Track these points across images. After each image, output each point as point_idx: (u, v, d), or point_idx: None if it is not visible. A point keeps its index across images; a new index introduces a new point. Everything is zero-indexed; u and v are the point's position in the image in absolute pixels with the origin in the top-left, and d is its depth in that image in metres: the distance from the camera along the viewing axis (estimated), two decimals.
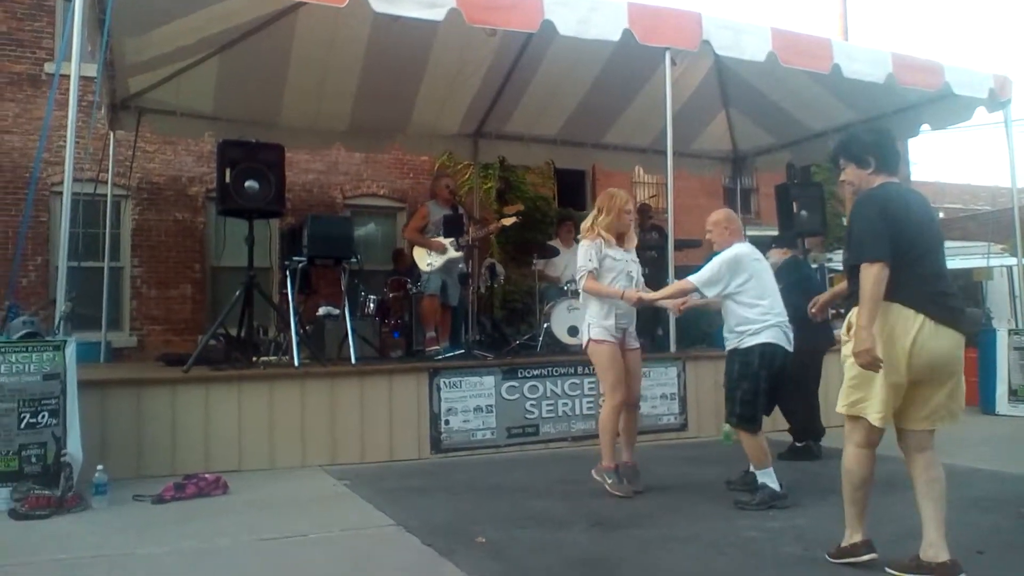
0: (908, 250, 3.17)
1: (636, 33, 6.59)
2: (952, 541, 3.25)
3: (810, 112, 9.72)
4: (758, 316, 4.67)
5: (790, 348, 4.76)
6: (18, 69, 10.32)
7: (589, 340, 4.97)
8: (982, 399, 8.47)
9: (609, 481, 4.86)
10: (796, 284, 5.73)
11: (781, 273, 5.54)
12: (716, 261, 4.76)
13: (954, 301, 3.28)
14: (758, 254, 4.88)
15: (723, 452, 6.19)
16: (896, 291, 3.14)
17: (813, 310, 4.06)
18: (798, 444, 6.00)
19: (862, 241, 3.20)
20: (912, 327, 3.14)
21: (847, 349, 3.27)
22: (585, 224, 5.13)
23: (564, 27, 6.35)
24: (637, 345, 5.13)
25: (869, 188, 3.34)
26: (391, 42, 7.75)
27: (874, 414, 3.22)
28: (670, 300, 5.11)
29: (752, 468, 4.72)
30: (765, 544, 3.84)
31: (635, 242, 5.16)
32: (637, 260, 5.13)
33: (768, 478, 4.59)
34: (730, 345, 4.80)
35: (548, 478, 5.45)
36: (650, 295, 5.05)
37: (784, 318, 4.76)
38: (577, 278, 5.04)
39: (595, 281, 4.90)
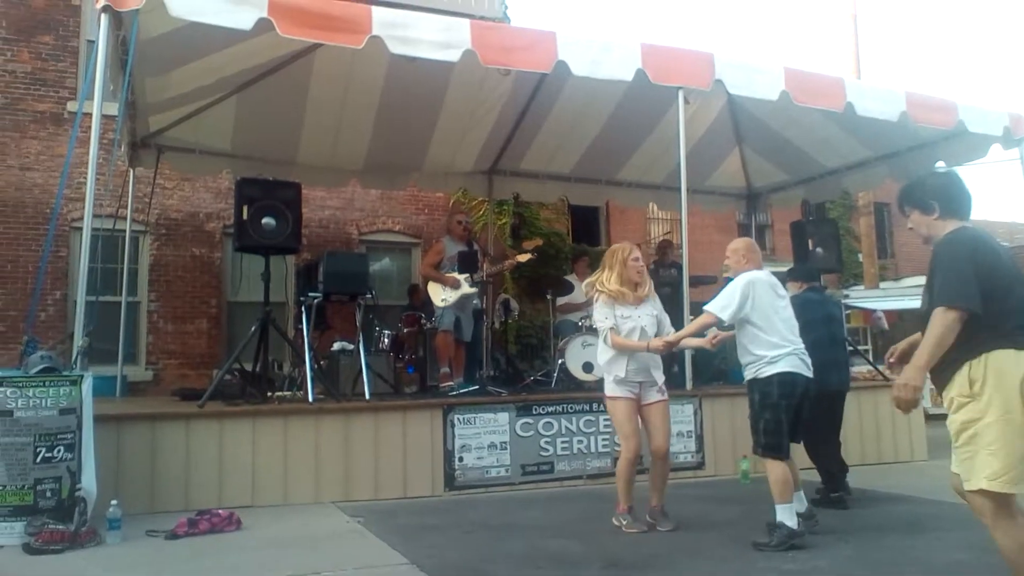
0: (1007, 296, 2.98)
1: (649, 73, 6.66)
2: None
3: (824, 149, 9.74)
4: (775, 345, 4.64)
5: (810, 374, 4.72)
6: (42, 108, 10.53)
7: (605, 396, 5.07)
8: None
9: (624, 522, 4.90)
10: (818, 322, 5.66)
11: (799, 309, 5.47)
12: (730, 287, 4.76)
13: None
14: (775, 281, 4.86)
15: (741, 491, 6.12)
16: (1005, 339, 2.92)
17: (891, 360, 3.68)
18: (832, 495, 5.76)
19: (947, 283, 2.99)
20: None
21: (967, 414, 2.94)
22: (592, 279, 5.16)
23: (577, 68, 6.43)
24: (661, 397, 5.03)
25: (948, 233, 3.15)
26: (407, 82, 7.86)
27: (1020, 484, 2.87)
28: (696, 339, 5.07)
29: (774, 504, 4.60)
30: None
31: (647, 288, 5.10)
32: (656, 306, 5.11)
33: (786, 515, 4.49)
34: (748, 375, 4.77)
35: (563, 517, 5.40)
36: (675, 336, 5.04)
37: (801, 346, 4.74)
38: (600, 337, 5.05)
39: (618, 336, 4.92)
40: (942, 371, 3.03)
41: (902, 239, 22.08)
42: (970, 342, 2.94)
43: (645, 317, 5.00)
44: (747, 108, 9.07)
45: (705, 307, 4.78)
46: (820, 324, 5.79)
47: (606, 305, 4.99)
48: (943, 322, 2.94)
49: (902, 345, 3.69)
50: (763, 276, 4.79)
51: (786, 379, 4.61)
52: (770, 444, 4.61)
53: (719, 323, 4.75)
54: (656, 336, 4.98)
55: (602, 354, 5.07)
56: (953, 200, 3.23)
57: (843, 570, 3.97)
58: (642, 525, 4.88)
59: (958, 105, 7.86)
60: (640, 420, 4.97)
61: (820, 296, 6.26)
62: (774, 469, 4.57)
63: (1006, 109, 8.25)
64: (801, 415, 4.75)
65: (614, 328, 4.92)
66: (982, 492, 2.91)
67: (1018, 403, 2.87)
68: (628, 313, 4.96)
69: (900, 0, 55.94)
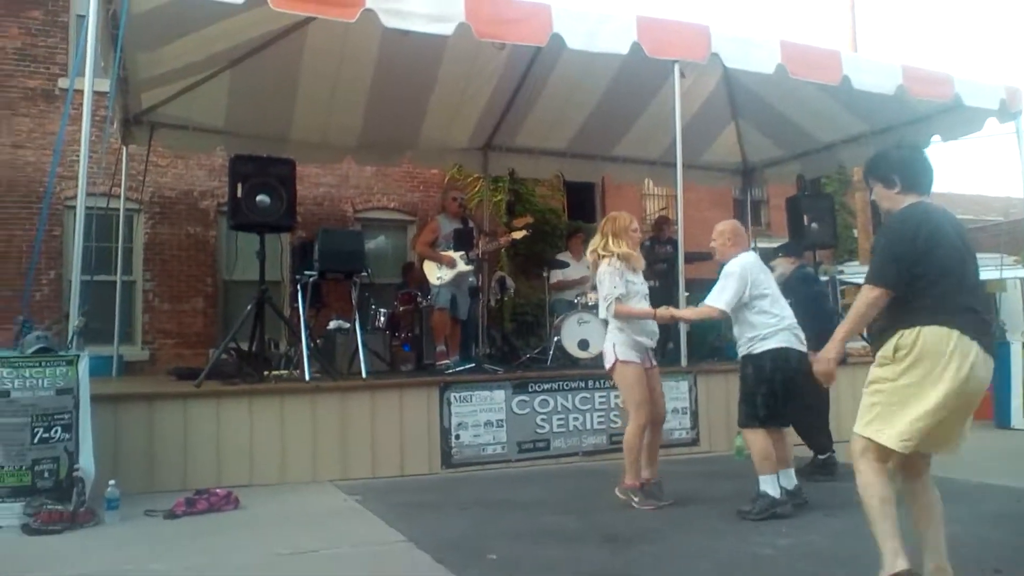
0: (943, 275, 3.08)
1: (645, 46, 6.61)
2: (968, 558, 3.21)
3: (820, 124, 9.71)
4: (767, 322, 4.75)
5: (803, 348, 4.79)
6: (32, 84, 10.42)
7: (616, 361, 4.97)
8: (997, 413, 8.39)
9: (636, 499, 4.87)
10: (808, 298, 5.70)
11: (791, 286, 5.54)
12: (727, 279, 4.79)
13: (990, 327, 3.23)
14: (761, 263, 4.96)
15: (735, 467, 6.15)
16: (940, 316, 3.03)
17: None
18: (821, 457, 5.90)
19: (875, 263, 3.18)
20: (969, 356, 3.00)
21: (883, 372, 3.13)
22: (595, 247, 5.11)
23: (573, 40, 6.38)
24: (655, 364, 5.18)
25: (900, 209, 3.25)
26: (401, 56, 7.79)
27: (898, 442, 3.04)
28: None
29: (758, 475, 4.70)
30: (779, 561, 3.80)
31: (642, 263, 5.21)
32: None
33: (769, 485, 4.61)
34: (742, 351, 4.87)
35: (559, 493, 5.43)
36: (680, 312, 5.15)
37: (793, 321, 4.83)
38: (604, 305, 5.01)
39: (624, 304, 4.94)
40: (880, 335, 3.20)
41: None
42: (908, 315, 3.08)
43: (644, 285, 5.10)
44: (743, 82, 9.02)
45: (710, 303, 4.82)
46: (820, 298, 5.94)
47: (616, 272, 4.94)
48: (865, 299, 3.14)
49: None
50: (752, 259, 4.87)
51: (780, 355, 4.72)
52: (769, 415, 4.72)
53: (721, 315, 4.81)
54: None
55: (611, 322, 5.03)
56: (915, 175, 3.29)
57: (835, 543, 4.01)
58: (655, 501, 4.87)
59: (954, 78, 7.83)
60: None
61: (813, 272, 6.35)
62: (755, 442, 4.70)
63: (1002, 83, 8.22)
64: (793, 390, 4.81)
65: (621, 297, 4.92)
66: (862, 437, 3.15)
67: (937, 379, 2.99)
68: (635, 279, 5.02)
69: None
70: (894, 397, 3.07)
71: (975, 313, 3.09)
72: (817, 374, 3.33)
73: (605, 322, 5.21)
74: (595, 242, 5.14)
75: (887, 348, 3.12)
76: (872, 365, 3.21)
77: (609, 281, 4.95)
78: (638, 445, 4.91)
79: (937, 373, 3.00)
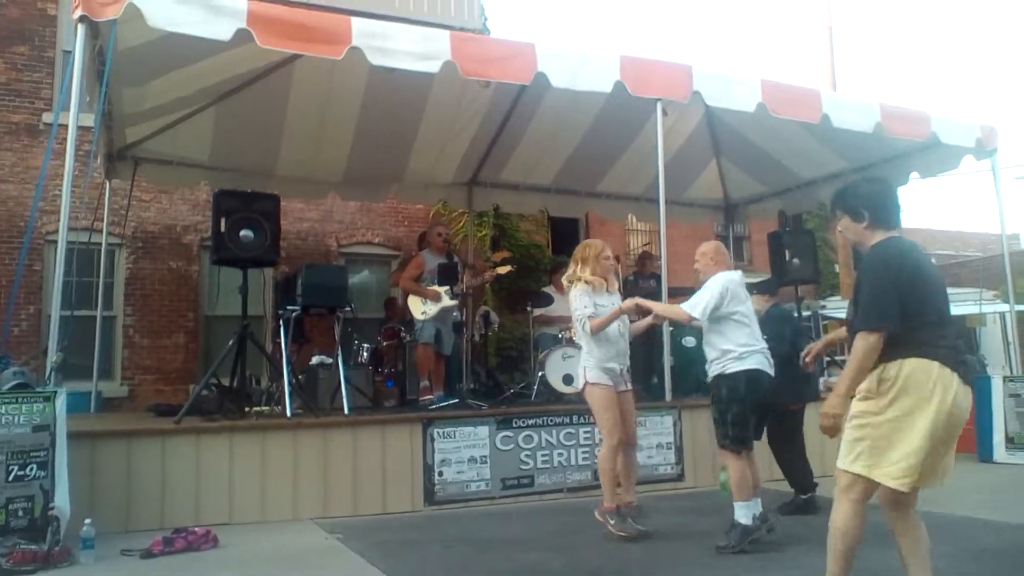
0: (924, 309, 3.10)
1: (628, 85, 6.70)
2: None
3: (801, 161, 9.84)
4: (743, 342, 4.79)
5: (772, 373, 4.88)
6: (16, 119, 10.40)
7: (586, 383, 5.06)
8: (979, 447, 8.41)
9: (612, 522, 4.91)
10: (782, 336, 5.76)
11: (766, 324, 5.58)
12: (707, 289, 4.86)
13: (964, 356, 3.21)
14: (743, 282, 5.01)
15: (721, 502, 6.09)
16: (921, 349, 3.04)
17: (807, 359, 4.09)
18: (803, 496, 5.88)
19: (869, 305, 3.12)
20: (951, 387, 3.02)
21: (867, 406, 3.12)
22: (567, 275, 5.30)
23: (557, 79, 6.46)
24: (630, 387, 5.26)
25: (875, 243, 3.24)
26: (387, 93, 7.84)
27: (898, 479, 3.02)
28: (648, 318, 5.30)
29: (733, 500, 4.73)
30: None
31: (616, 285, 5.36)
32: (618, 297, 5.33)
33: (742, 513, 4.63)
34: (714, 371, 4.90)
35: (544, 530, 5.37)
36: (647, 303, 5.16)
37: (764, 345, 4.90)
38: (579, 325, 5.12)
39: (596, 319, 5.02)
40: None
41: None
42: (890, 348, 3.06)
43: (617, 304, 5.20)
44: (725, 120, 9.15)
45: (684, 306, 4.90)
46: (795, 336, 5.99)
47: (584, 294, 5.10)
48: (864, 347, 3.07)
49: (817, 346, 4.18)
50: (734, 276, 4.94)
51: (753, 376, 4.77)
52: (737, 437, 4.77)
53: (691, 320, 4.88)
54: (623, 332, 5.19)
55: (585, 341, 5.13)
56: (883, 209, 3.29)
57: None
58: (633, 527, 4.91)
59: (931, 117, 7.98)
60: None
61: (788, 310, 6.44)
62: (734, 467, 4.74)
63: (978, 121, 8.38)
64: (762, 414, 4.90)
65: (592, 315, 5.02)
66: (847, 472, 3.12)
67: (922, 411, 3.00)
68: (603, 302, 5.13)
69: (874, 12, 56.79)
70: (880, 431, 3.05)
71: (952, 345, 3.11)
72: (822, 429, 3.24)
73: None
74: (568, 271, 5.30)
75: (870, 381, 3.10)
76: (854, 399, 3.18)
77: (579, 302, 5.09)
78: (612, 467, 4.98)
79: (922, 405, 3.00)
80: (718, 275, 4.90)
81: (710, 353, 4.92)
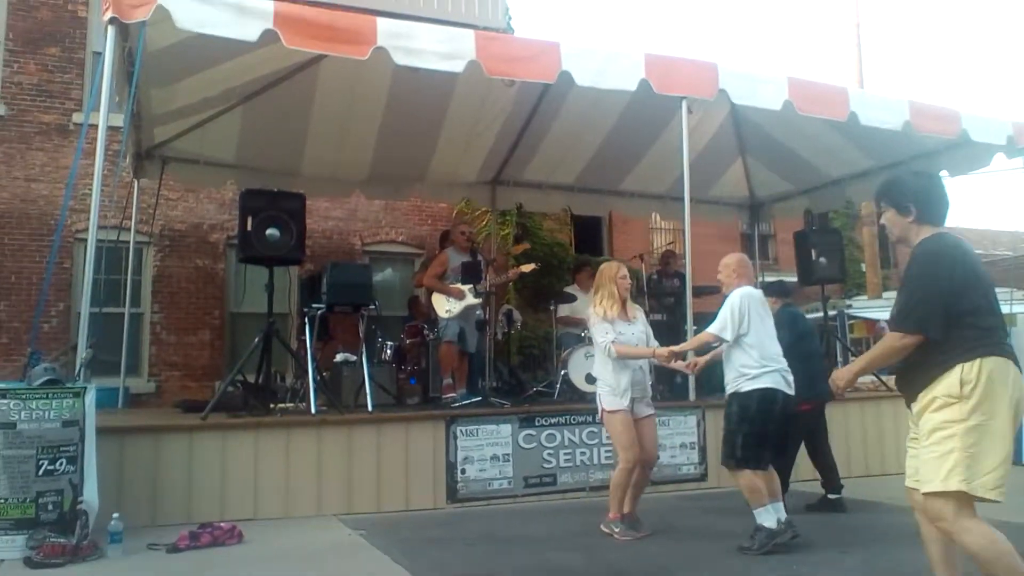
0: (989, 306, 2.98)
1: (652, 83, 6.66)
2: None
3: (827, 159, 9.74)
4: (757, 361, 4.74)
5: (790, 391, 4.81)
6: (47, 119, 10.57)
7: (603, 411, 5.10)
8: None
9: (617, 530, 4.96)
10: (809, 334, 5.71)
11: (791, 322, 5.54)
12: (727, 307, 4.83)
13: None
14: (763, 298, 4.99)
15: (743, 503, 6.06)
16: (996, 346, 2.92)
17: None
18: (831, 496, 5.87)
19: (910, 308, 2.99)
20: (1019, 384, 2.91)
21: (950, 413, 2.87)
22: (590, 310, 5.28)
23: (581, 78, 6.44)
24: (652, 412, 5.25)
25: (924, 240, 3.08)
26: (411, 93, 7.87)
27: (995, 489, 2.82)
28: (690, 355, 5.30)
29: (752, 509, 4.70)
30: None
31: (635, 313, 5.30)
32: (644, 324, 5.28)
33: (765, 517, 4.60)
34: (730, 389, 4.87)
35: (566, 529, 5.37)
36: (680, 347, 5.18)
37: (783, 364, 4.83)
38: (602, 352, 5.09)
39: (622, 345, 5.02)
40: (924, 372, 2.97)
41: (904, 249, 22.07)
42: (963, 344, 2.90)
43: (639, 334, 5.17)
44: (750, 118, 9.07)
45: (708, 329, 4.88)
46: (811, 336, 5.99)
47: (603, 323, 5.09)
48: (893, 345, 2.99)
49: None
50: (753, 293, 4.91)
51: (767, 395, 4.72)
52: (746, 457, 4.71)
53: (720, 342, 4.85)
54: (642, 364, 5.21)
55: (601, 368, 5.14)
56: (931, 204, 3.15)
57: None
58: (635, 533, 4.97)
59: (961, 114, 7.86)
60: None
61: (800, 311, 6.39)
62: (740, 478, 4.71)
63: (1010, 119, 8.24)
64: (777, 430, 4.82)
65: (615, 340, 5.01)
66: (945, 494, 2.85)
67: (1004, 411, 2.86)
68: (623, 329, 5.10)
69: (903, 8, 56.07)
70: (969, 439, 2.83)
71: (1008, 340, 3.00)
72: (832, 379, 3.26)
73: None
74: (595, 299, 5.25)
75: (949, 387, 2.89)
76: (927, 411, 2.96)
77: (599, 331, 5.10)
78: (624, 485, 5.03)
79: (1000, 405, 2.86)
80: (736, 292, 4.87)
81: (727, 371, 4.89)
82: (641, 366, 5.19)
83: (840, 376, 3.23)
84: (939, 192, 3.19)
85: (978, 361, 2.87)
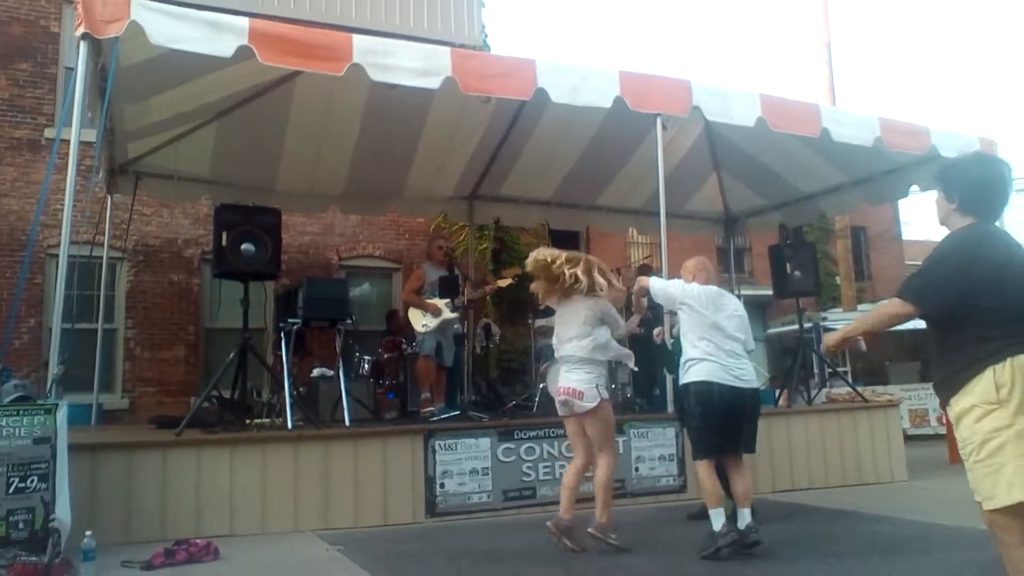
0: (1011, 304, 2.83)
1: (628, 100, 6.73)
2: None
3: (801, 174, 9.87)
4: (698, 353, 4.88)
5: (739, 384, 4.83)
6: (18, 134, 10.46)
7: (601, 400, 4.98)
8: None
9: (613, 536, 4.90)
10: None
11: None
12: (674, 280, 5.12)
13: None
14: (720, 295, 5.08)
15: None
16: (1018, 345, 2.78)
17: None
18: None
19: (916, 279, 2.98)
20: None
21: (994, 422, 2.75)
22: (584, 280, 5.04)
23: (557, 95, 6.49)
24: None
25: (958, 229, 3.02)
26: (387, 108, 7.89)
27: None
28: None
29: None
30: None
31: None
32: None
33: (713, 518, 4.70)
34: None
35: (546, 543, 5.33)
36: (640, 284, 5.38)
37: (729, 358, 4.87)
38: (621, 331, 5.27)
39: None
40: (955, 374, 2.87)
41: (878, 262, 22.38)
42: (990, 345, 2.79)
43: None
44: (724, 134, 9.18)
45: (651, 278, 5.26)
46: None
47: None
48: (891, 311, 3.01)
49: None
50: (708, 290, 5.04)
51: (701, 388, 4.85)
52: (699, 447, 4.92)
53: (651, 293, 5.13)
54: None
55: (599, 359, 5.06)
56: (978, 196, 3.04)
57: None
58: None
59: (930, 130, 8.01)
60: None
61: None
62: (698, 471, 4.88)
63: (977, 134, 8.42)
64: (720, 423, 4.82)
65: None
66: (1011, 508, 2.70)
67: None
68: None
69: (871, 27, 57.11)
70: (1021, 446, 2.71)
71: None
72: (823, 341, 3.37)
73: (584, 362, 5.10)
74: (580, 273, 5.04)
75: (986, 392, 2.78)
76: (965, 419, 2.84)
77: (615, 314, 5.20)
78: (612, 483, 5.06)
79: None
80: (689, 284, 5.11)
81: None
82: None
83: (830, 337, 3.29)
84: (992, 186, 3.06)
85: (1008, 362, 2.76)
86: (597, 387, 4.97)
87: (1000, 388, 2.74)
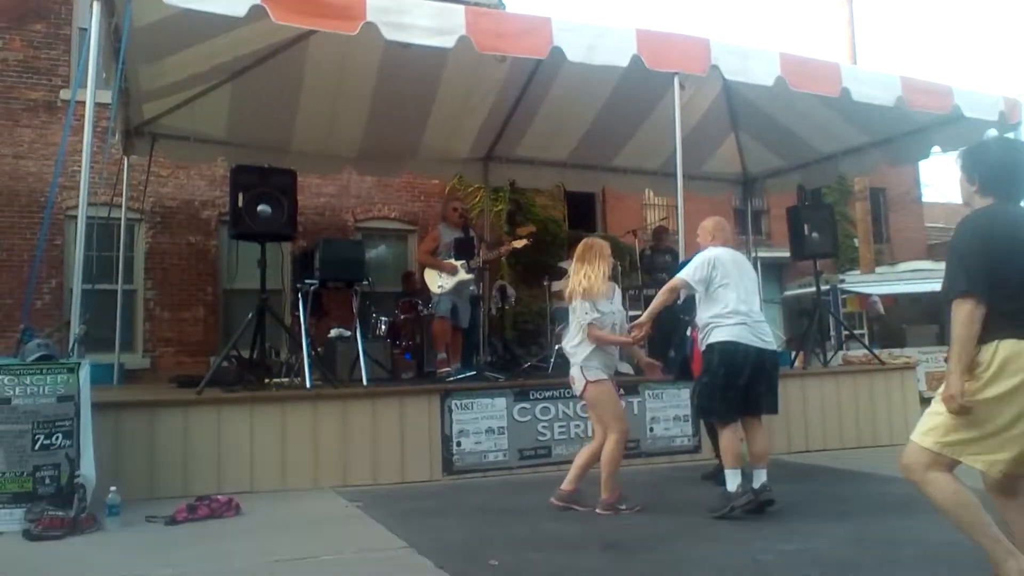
0: (1017, 281, 2.90)
1: (645, 58, 6.63)
2: None
3: (820, 135, 9.74)
4: (722, 313, 4.83)
5: (763, 346, 4.84)
6: (34, 96, 10.48)
7: (587, 383, 4.98)
8: None
9: (624, 507, 4.92)
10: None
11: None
12: (696, 258, 4.97)
13: None
14: (739, 257, 5.07)
15: None
16: (1012, 328, 2.87)
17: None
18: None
19: (954, 274, 2.96)
20: None
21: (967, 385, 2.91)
22: (574, 282, 5.07)
23: (573, 53, 6.40)
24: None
25: (976, 211, 3.08)
26: (402, 69, 7.83)
27: (995, 466, 2.90)
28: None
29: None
30: (781, 568, 3.79)
31: (616, 292, 5.25)
32: (620, 302, 5.29)
33: (728, 478, 4.72)
34: (703, 342, 4.99)
35: None
36: (645, 316, 5.09)
37: (754, 318, 4.87)
38: (584, 330, 4.96)
39: (598, 330, 4.95)
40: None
41: (897, 224, 22.15)
42: (990, 322, 2.88)
43: (618, 313, 5.17)
44: (742, 94, 9.05)
45: (677, 275, 5.02)
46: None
47: (587, 304, 4.98)
48: (960, 316, 2.89)
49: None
50: (724, 252, 5.00)
51: (728, 347, 4.79)
52: (702, 407, 4.94)
53: (688, 288, 4.94)
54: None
55: (579, 348, 5.03)
56: (998, 178, 3.11)
57: (840, 550, 4.01)
58: (634, 501, 4.97)
59: (953, 90, 7.86)
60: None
61: None
62: (721, 435, 4.85)
63: (1001, 94, 8.26)
64: (749, 385, 4.82)
65: (594, 323, 4.94)
66: (920, 448, 3.00)
67: (1014, 395, 2.85)
68: (604, 309, 5.02)
69: None
70: (974, 415, 2.88)
71: None
72: (951, 413, 2.96)
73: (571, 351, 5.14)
74: (577, 271, 5.10)
75: (974, 364, 2.93)
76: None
77: (582, 309, 4.98)
78: (620, 458, 4.97)
79: (1014, 390, 2.85)
80: (703, 251, 5.00)
81: (700, 329, 5.02)
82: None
83: (946, 388, 2.94)
84: (1011, 168, 3.13)
85: (995, 343, 2.88)
86: (582, 370, 5.00)
87: (977, 366, 2.90)
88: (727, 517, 4.62)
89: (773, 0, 61.24)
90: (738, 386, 4.79)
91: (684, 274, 4.95)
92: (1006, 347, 2.86)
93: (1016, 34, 60.62)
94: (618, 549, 4.14)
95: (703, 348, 4.96)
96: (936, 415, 3.01)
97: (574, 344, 5.07)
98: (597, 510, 4.90)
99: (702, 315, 4.96)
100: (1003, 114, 8.12)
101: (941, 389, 2.97)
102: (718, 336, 4.82)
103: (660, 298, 5.11)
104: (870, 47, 61.95)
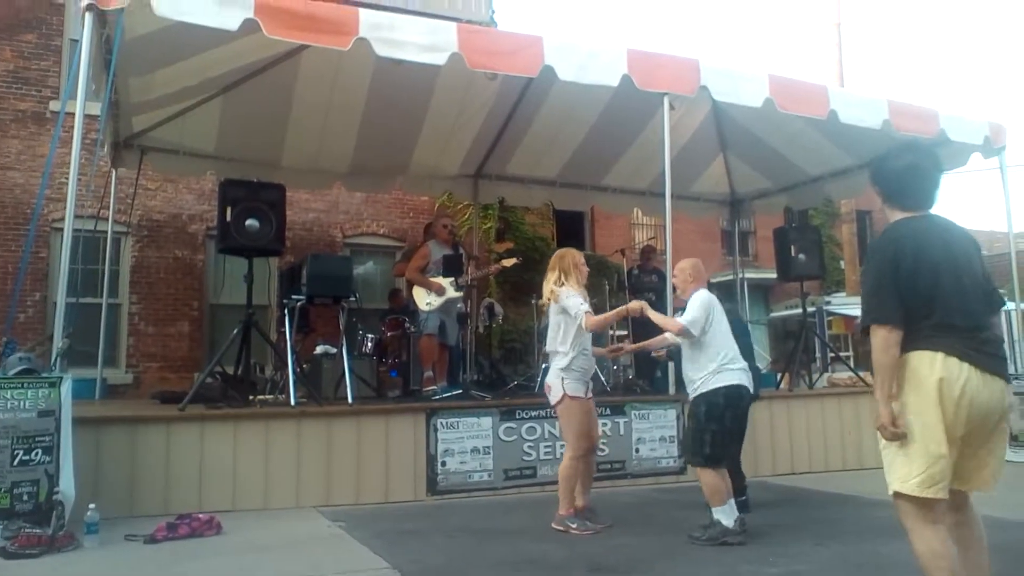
0: (932, 297, 2.83)
1: (635, 78, 6.68)
2: None
3: (807, 157, 9.81)
4: (722, 359, 4.79)
5: (752, 388, 4.94)
6: (23, 107, 10.43)
7: (565, 395, 5.01)
8: None
9: (573, 526, 4.93)
10: (739, 330, 5.75)
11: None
12: (697, 303, 4.86)
13: (992, 345, 2.89)
14: (717, 302, 5.03)
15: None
16: (926, 340, 2.81)
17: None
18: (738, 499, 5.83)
19: (867, 301, 2.90)
20: (960, 379, 2.76)
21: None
22: (549, 287, 5.14)
23: (564, 72, 6.44)
24: (592, 395, 5.32)
25: (886, 228, 2.98)
26: (393, 85, 7.84)
27: (923, 487, 2.80)
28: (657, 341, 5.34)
29: (710, 507, 4.72)
30: None
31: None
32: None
33: (723, 515, 4.65)
34: (694, 391, 4.86)
35: (546, 521, 5.35)
36: (650, 312, 5.07)
37: (745, 364, 4.91)
38: (579, 320, 4.95)
39: (593, 316, 4.99)
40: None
41: None
42: (905, 340, 2.85)
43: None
44: (731, 115, 9.12)
45: (679, 319, 4.89)
46: (746, 335, 5.84)
47: (578, 293, 5.03)
48: (876, 343, 2.84)
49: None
50: (712, 296, 4.98)
51: (733, 392, 4.77)
52: (714, 456, 4.73)
53: (687, 335, 4.82)
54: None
55: (566, 343, 5.04)
56: (901, 187, 3.02)
57: (825, 573, 3.99)
58: (594, 526, 4.96)
59: (939, 114, 7.95)
60: None
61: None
62: (705, 477, 4.73)
63: (986, 119, 8.35)
64: (741, 427, 5.00)
65: (589, 311, 4.98)
66: (898, 495, 2.88)
67: (933, 406, 2.78)
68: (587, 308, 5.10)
69: (883, 8, 56.56)
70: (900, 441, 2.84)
71: (968, 333, 2.83)
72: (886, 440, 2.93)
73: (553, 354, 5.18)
74: (550, 278, 5.17)
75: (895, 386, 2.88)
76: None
77: (575, 300, 4.99)
78: (574, 475, 5.02)
79: (928, 403, 2.78)
80: (700, 293, 4.93)
81: (691, 372, 4.89)
82: (590, 351, 5.21)
83: (877, 418, 2.91)
84: (911, 175, 3.01)
85: (903, 357, 2.84)
86: (562, 381, 5.02)
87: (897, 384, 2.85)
88: (718, 544, 4.57)
89: (763, 24, 61.93)
90: (738, 430, 4.91)
91: (692, 327, 4.77)
92: (913, 359, 2.83)
93: (1000, 60, 61.48)
94: (603, 571, 4.11)
95: (700, 395, 4.81)
96: (891, 456, 2.92)
97: (559, 341, 5.06)
98: (553, 525, 4.97)
99: (700, 361, 4.83)
100: (988, 139, 8.22)
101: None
102: (725, 380, 4.74)
103: (662, 320, 5.08)
104: (858, 71, 62.66)
